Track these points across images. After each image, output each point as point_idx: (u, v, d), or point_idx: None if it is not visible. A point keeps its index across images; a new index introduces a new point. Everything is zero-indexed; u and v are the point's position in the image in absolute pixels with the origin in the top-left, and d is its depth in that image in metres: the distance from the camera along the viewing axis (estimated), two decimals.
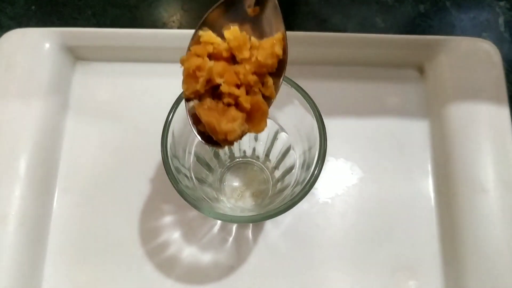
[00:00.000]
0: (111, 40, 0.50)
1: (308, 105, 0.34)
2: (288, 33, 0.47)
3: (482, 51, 0.48)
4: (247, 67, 0.30)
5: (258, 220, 0.34)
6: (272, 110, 0.38)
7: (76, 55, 0.51)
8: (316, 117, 0.34)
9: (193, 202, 0.33)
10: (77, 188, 0.47)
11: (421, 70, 0.52)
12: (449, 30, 0.55)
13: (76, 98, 0.50)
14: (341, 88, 0.51)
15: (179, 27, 0.55)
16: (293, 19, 0.55)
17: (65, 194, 0.47)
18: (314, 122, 0.34)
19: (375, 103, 0.51)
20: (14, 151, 0.45)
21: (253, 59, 0.30)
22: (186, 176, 0.37)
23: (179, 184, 0.33)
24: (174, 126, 0.34)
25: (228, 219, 0.34)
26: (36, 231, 0.44)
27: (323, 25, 0.55)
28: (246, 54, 0.30)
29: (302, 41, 0.49)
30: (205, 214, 0.33)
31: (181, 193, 0.33)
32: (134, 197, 0.47)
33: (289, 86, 0.34)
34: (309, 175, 0.33)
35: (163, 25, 0.55)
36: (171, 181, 0.33)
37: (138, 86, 0.51)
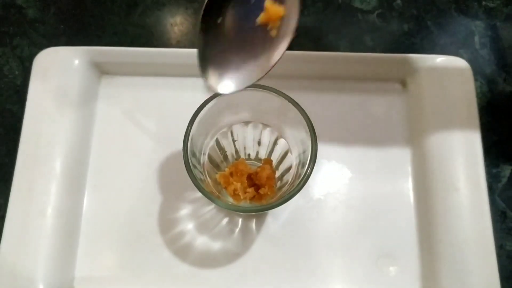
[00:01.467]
0: (132, 57, 0.53)
1: (301, 116, 0.39)
2: (286, 52, 0.53)
3: (456, 68, 0.52)
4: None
5: (261, 210, 0.39)
6: (273, 120, 0.44)
7: (101, 70, 0.54)
8: (308, 125, 0.38)
9: (208, 195, 0.37)
10: (104, 185, 0.51)
11: (403, 83, 0.55)
12: (430, 47, 0.59)
13: (102, 108, 0.54)
14: (333, 100, 0.54)
15: (191, 45, 0.59)
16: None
17: (94, 191, 0.51)
18: (307, 129, 0.39)
19: (362, 113, 0.54)
20: (51, 154, 0.49)
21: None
22: (201, 173, 0.41)
23: (197, 180, 0.37)
24: (193, 132, 0.38)
25: (236, 209, 0.39)
26: (70, 222, 0.49)
27: (317, 43, 0.59)
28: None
29: (298, 59, 0.53)
30: (218, 204, 0.38)
31: (198, 187, 0.37)
32: (154, 194, 0.51)
33: (287, 101, 0.39)
34: (303, 173, 0.38)
35: (177, 43, 0.59)
36: (190, 177, 0.37)
37: (156, 97, 0.54)
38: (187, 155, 0.38)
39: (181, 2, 0.61)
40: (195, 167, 0.39)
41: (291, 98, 0.39)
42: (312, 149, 0.38)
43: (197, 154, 0.41)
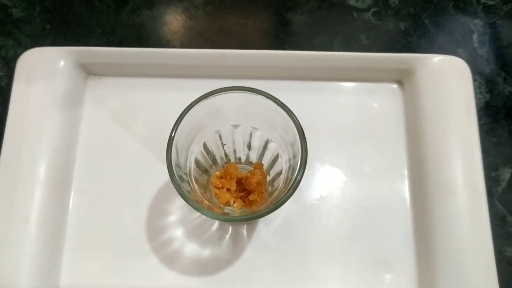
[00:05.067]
0: (120, 58, 0.52)
1: (290, 119, 0.38)
2: (280, 52, 0.52)
3: (454, 68, 0.51)
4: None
5: (250, 219, 0.38)
6: (262, 124, 0.43)
7: (88, 71, 0.53)
8: (298, 129, 0.37)
9: (193, 204, 0.36)
10: (90, 190, 0.50)
11: (400, 83, 0.54)
12: (427, 46, 0.58)
13: (88, 109, 0.53)
14: (326, 101, 0.53)
15: (181, 44, 0.58)
16: (284, 38, 0.58)
17: (80, 196, 0.50)
18: (297, 133, 0.37)
19: (357, 114, 0.53)
20: (35, 158, 0.47)
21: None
22: (187, 182, 0.40)
23: (182, 189, 0.36)
24: (177, 139, 0.37)
25: (223, 219, 0.38)
26: (55, 228, 0.47)
27: (311, 42, 0.58)
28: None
29: (290, 59, 0.52)
30: (204, 214, 0.37)
31: (183, 196, 0.36)
32: (142, 199, 0.49)
33: (275, 104, 0.38)
34: (293, 180, 0.37)
35: (167, 42, 0.58)
36: (175, 187, 0.36)
37: (145, 99, 0.53)
38: (171, 165, 0.36)
39: (170, 0, 0.60)
40: (182, 179, 0.38)
41: (279, 101, 0.38)
42: (302, 154, 0.37)
43: (183, 161, 0.40)
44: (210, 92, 0.38)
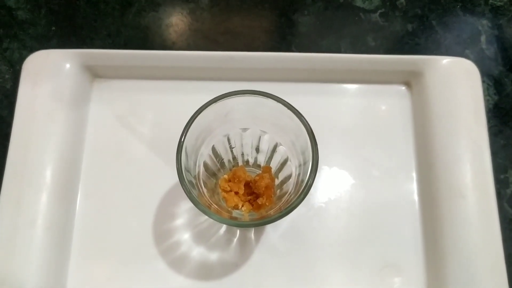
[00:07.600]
0: (125, 60, 0.52)
1: (301, 124, 0.37)
2: (287, 54, 0.52)
3: (463, 70, 0.51)
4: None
5: (259, 225, 0.37)
6: (271, 127, 0.42)
7: (94, 73, 0.53)
8: (309, 134, 0.37)
9: (203, 209, 0.36)
10: (97, 194, 0.50)
11: (408, 85, 0.53)
12: (435, 47, 0.58)
13: (94, 112, 0.52)
14: (334, 103, 0.53)
15: (187, 46, 0.57)
16: (291, 39, 0.58)
17: (86, 200, 0.50)
18: (307, 138, 0.37)
19: (365, 116, 0.53)
20: (41, 162, 0.47)
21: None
22: (196, 186, 0.40)
23: (192, 194, 0.36)
24: (186, 143, 0.37)
25: (232, 224, 0.38)
26: (61, 233, 0.47)
27: (318, 44, 0.57)
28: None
29: (297, 61, 0.51)
30: (213, 219, 0.36)
31: (193, 200, 0.36)
32: (149, 202, 0.49)
33: (286, 107, 0.37)
34: (304, 184, 0.37)
35: (173, 44, 0.57)
36: (185, 192, 0.36)
37: (151, 101, 0.53)
38: (182, 170, 0.36)
39: (176, 2, 0.60)
40: (191, 184, 0.37)
41: (290, 104, 0.38)
42: (313, 159, 0.36)
43: (192, 165, 0.40)
44: (219, 95, 0.38)
